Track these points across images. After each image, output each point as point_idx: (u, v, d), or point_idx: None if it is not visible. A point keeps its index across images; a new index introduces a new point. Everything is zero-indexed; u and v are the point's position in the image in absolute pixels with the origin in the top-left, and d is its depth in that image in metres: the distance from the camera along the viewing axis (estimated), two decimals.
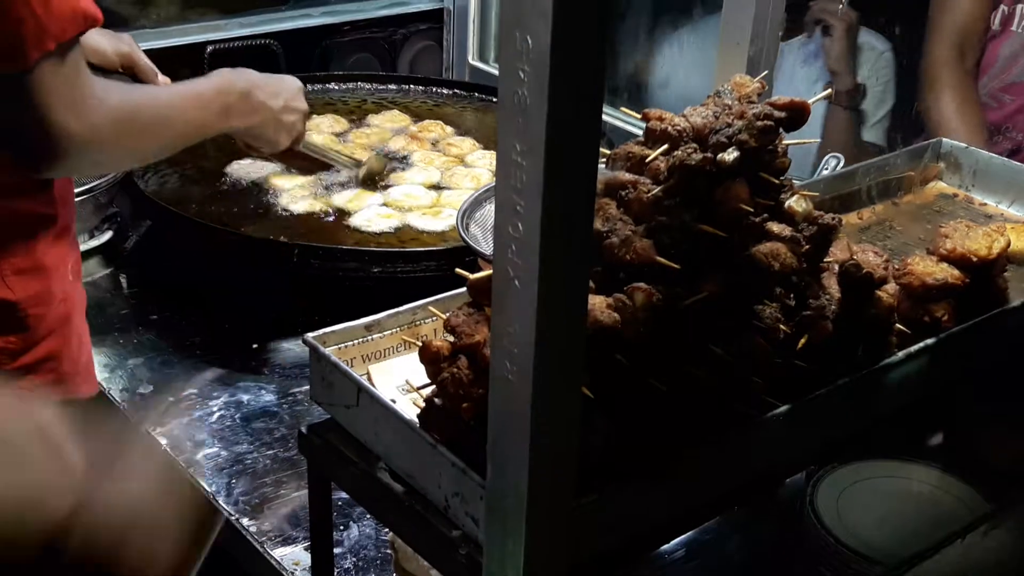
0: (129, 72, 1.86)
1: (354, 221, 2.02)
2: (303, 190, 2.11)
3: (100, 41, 1.84)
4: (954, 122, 2.35)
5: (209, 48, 2.56)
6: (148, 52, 2.48)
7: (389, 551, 1.40)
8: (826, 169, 1.98)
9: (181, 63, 2.65)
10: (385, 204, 2.09)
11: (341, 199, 2.09)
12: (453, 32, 2.92)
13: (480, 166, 2.26)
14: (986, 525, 1.43)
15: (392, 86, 2.66)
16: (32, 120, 1.33)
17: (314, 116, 2.42)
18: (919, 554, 1.38)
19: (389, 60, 2.90)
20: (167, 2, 2.81)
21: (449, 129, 2.44)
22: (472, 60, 2.91)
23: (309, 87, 2.58)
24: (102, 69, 1.81)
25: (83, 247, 2.08)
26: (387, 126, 2.43)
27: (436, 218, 2.04)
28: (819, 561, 1.45)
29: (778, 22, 1.66)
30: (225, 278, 2.01)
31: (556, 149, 0.78)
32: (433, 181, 2.20)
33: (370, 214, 2.04)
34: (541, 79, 0.76)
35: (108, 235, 2.13)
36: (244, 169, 2.16)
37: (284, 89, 1.86)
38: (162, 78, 1.92)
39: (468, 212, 1.69)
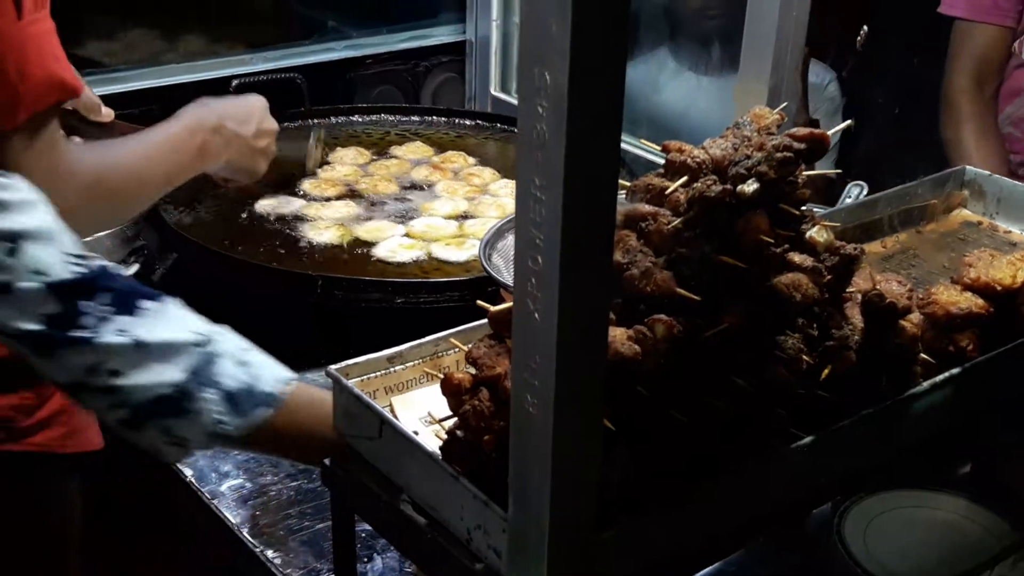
0: (74, 114, 1.80)
1: (377, 252, 2.03)
2: (327, 222, 2.12)
3: None
4: (974, 152, 2.34)
5: (234, 82, 2.59)
6: (174, 86, 2.53)
7: None
8: (849, 198, 1.98)
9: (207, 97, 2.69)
10: (407, 235, 2.10)
11: (364, 230, 2.10)
12: (475, 64, 2.94)
13: (503, 195, 2.27)
14: (1015, 555, 1.42)
15: (415, 118, 2.68)
16: None
17: (338, 148, 2.45)
18: None
19: (412, 92, 2.93)
20: (195, 37, 2.85)
21: (471, 159, 2.45)
22: (494, 91, 2.93)
23: (334, 119, 2.61)
24: None
25: None
26: (409, 157, 2.45)
27: (459, 248, 2.05)
28: None
29: (798, 53, 1.67)
30: (250, 310, 2.02)
31: (575, 184, 0.78)
32: (460, 211, 2.21)
33: (393, 245, 2.05)
34: (560, 115, 0.77)
35: (135, 267, 2.14)
36: (270, 202, 2.18)
37: (252, 113, 1.79)
38: (106, 111, 1.85)
39: (490, 243, 1.69)
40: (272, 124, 1.84)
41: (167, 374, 1.13)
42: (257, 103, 1.84)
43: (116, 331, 1.10)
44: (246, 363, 1.23)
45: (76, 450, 1.53)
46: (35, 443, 1.48)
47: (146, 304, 1.13)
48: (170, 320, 1.15)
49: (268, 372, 1.26)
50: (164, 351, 1.13)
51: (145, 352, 1.12)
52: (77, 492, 1.62)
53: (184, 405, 1.15)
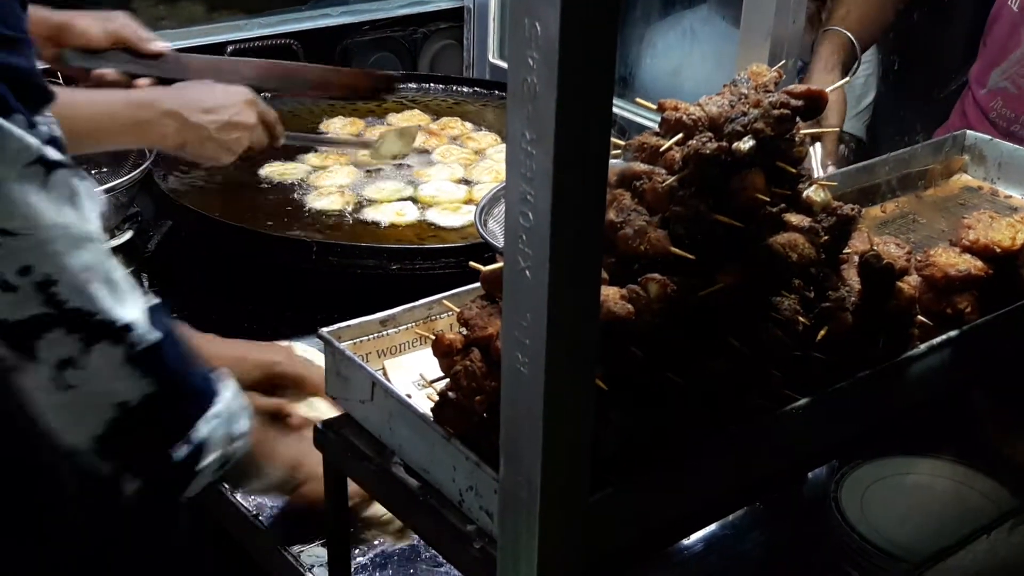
0: (122, 48, 1.84)
1: (375, 217, 2.02)
2: (330, 188, 2.11)
3: (88, 23, 1.82)
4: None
5: (229, 48, 2.56)
6: None
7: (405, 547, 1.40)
8: None
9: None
10: (412, 198, 2.08)
11: (369, 193, 2.09)
12: (473, 30, 2.91)
13: (502, 160, 2.25)
14: (1013, 520, 1.41)
15: (412, 85, 2.65)
16: None
17: (325, 118, 2.42)
18: (944, 550, 1.36)
19: (409, 59, 2.90)
20: (193, 4, 2.82)
21: (468, 125, 2.43)
22: (492, 58, 2.90)
23: None
24: (91, 50, 1.80)
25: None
26: (403, 124, 2.42)
27: (456, 214, 2.03)
28: (843, 558, 1.43)
29: (801, 12, 1.64)
30: (246, 276, 2.01)
31: (566, 136, 0.77)
32: (458, 176, 2.19)
33: (390, 211, 2.04)
34: (550, 65, 0.76)
35: (128, 234, 2.13)
36: (277, 170, 2.17)
37: (227, 104, 1.77)
38: (158, 46, 1.86)
39: (487, 208, 1.68)
40: (248, 118, 1.81)
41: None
42: (238, 95, 1.80)
43: None
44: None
45: None
46: None
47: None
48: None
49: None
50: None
51: None
52: None
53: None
